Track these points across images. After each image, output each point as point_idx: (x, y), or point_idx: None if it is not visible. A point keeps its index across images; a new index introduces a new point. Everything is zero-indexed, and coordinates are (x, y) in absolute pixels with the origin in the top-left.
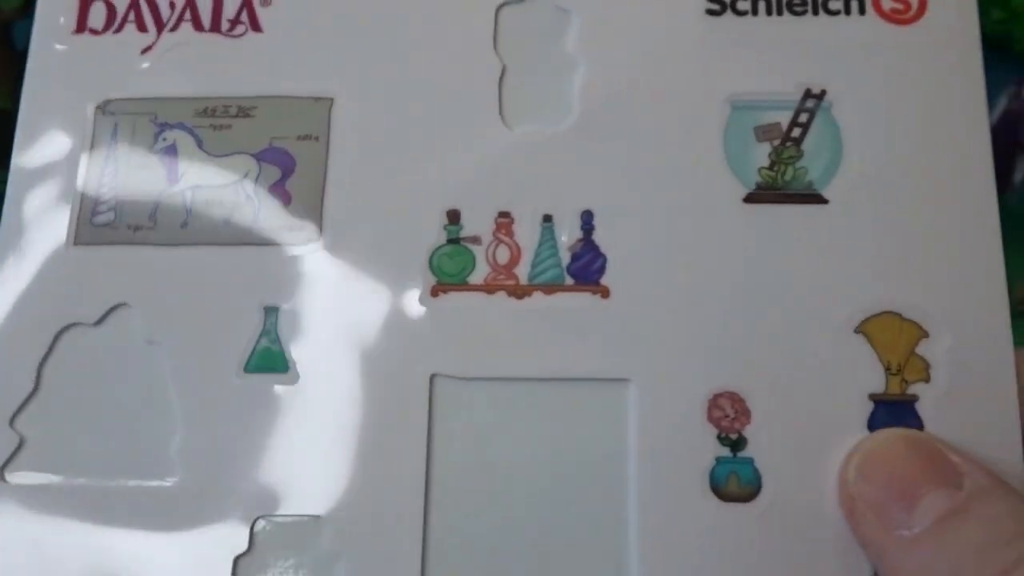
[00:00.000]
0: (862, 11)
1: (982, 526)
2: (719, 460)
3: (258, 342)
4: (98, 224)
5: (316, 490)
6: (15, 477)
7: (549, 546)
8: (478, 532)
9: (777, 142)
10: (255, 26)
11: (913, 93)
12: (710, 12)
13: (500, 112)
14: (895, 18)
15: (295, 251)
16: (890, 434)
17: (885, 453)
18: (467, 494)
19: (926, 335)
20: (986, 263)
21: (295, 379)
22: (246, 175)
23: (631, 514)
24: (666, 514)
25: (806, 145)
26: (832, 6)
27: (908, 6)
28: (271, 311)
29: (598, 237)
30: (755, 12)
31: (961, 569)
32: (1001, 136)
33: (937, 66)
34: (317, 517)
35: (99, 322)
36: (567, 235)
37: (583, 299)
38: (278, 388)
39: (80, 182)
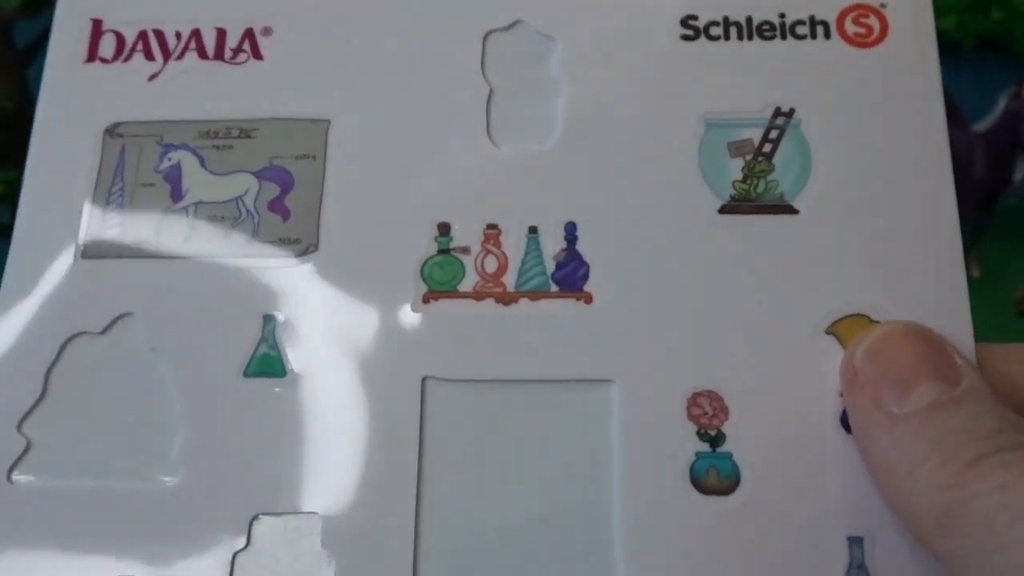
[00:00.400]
0: (827, 35)
1: (968, 419)
2: (699, 455)
3: (257, 348)
4: (105, 238)
5: (313, 488)
6: (21, 479)
7: (537, 539)
8: (468, 526)
9: (749, 157)
10: (256, 54)
11: (875, 111)
12: (685, 37)
13: (488, 131)
14: (858, 42)
15: (293, 262)
16: (904, 323)
17: (896, 338)
18: (457, 491)
19: None
20: (947, 266)
21: (293, 383)
22: (246, 192)
23: (615, 507)
24: (649, 507)
25: (777, 159)
26: (799, 31)
27: (870, 30)
28: (270, 319)
29: (581, 247)
30: (727, 37)
31: (936, 450)
32: (1001, 136)
33: (897, 86)
34: (313, 514)
35: (105, 331)
36: (552, 245)
37: (567, 305)
38: (276, 391)
39: (89, 199)
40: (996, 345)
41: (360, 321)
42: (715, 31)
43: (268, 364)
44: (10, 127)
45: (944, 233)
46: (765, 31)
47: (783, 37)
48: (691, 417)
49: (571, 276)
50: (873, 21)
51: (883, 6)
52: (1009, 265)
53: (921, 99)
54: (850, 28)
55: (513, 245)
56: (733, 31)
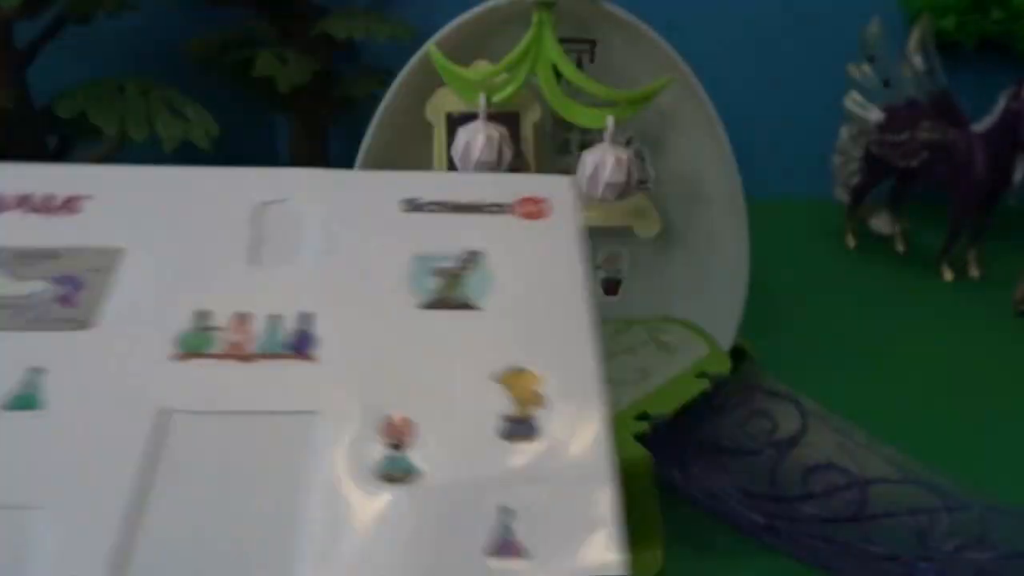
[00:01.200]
0: (508, 212)
1: None
2: (386, 457)
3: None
4: None
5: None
6: None
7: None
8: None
9: (448, 277)
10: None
11: (532, 262)
12: (407, 210)
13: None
14: (528, 215)
15: (70, 335)
16: None
17: None
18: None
19: (538, 380)
20: (578, 345)
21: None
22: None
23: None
24: (341, 504)
25: (467, 279)
26: (489, 209)
27: (539, 210)
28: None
29: (315, 330)
30: (438, 211)
31: None
32: (1001, 136)
33: (552, 244)
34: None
35: None
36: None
37: (294, 363)
38: (30, 423)
39: None
40: None
41: (118, 373)
42: (429, 208)
43: (27, 400)
44: (10, 127)
45: (577, 329)
46: (465, 210)
47: (478, 213)
48: (385, 432)
49: (302, 345)
50: (541, 206)
51: (544, 200)
52: (1009, 265)
53: (567, 252)
54: (523, 208)
55: (259, 328)
56: (442, 208)
